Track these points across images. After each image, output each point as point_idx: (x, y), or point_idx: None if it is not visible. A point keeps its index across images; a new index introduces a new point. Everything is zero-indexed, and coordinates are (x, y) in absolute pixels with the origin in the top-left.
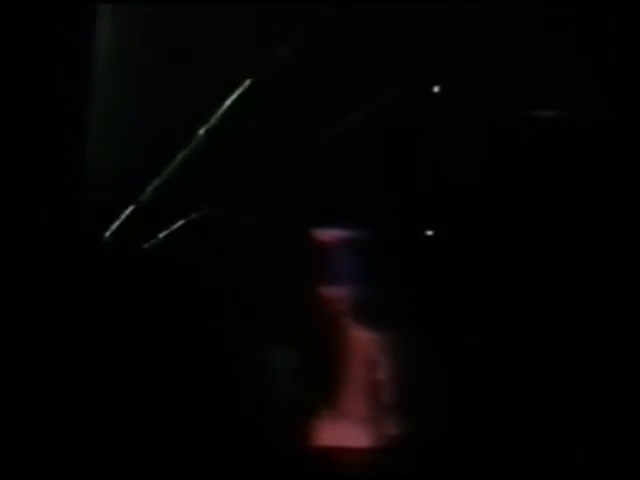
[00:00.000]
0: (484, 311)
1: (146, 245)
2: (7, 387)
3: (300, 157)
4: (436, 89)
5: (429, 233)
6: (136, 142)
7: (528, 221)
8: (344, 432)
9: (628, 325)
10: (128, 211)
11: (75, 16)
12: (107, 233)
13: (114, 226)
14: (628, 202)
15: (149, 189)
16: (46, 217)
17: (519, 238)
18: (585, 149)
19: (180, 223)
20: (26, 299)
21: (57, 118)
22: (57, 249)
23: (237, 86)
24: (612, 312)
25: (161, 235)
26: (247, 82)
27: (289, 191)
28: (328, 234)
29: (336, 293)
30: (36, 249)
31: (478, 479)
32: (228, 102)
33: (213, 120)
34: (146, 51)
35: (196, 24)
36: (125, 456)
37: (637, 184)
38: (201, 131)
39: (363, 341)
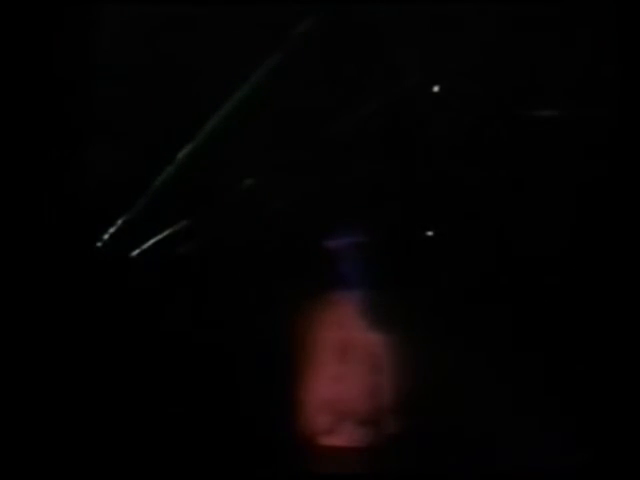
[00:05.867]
0: (485, 310)
1: (141, 249)
2: (4, 389)
3: (298, 158)
4: (436, 89)
5: (429, 233)
6: (134, 145)
7: (528, 221)
8: (345, 432)
9: (627, 324)
10: (125, 216)
11: (77, 17)
12: (104, 237)
13: (111, 231)
14: (628, 201)
15: (145, 195)
16: (44, 221)
17: (519, 237)
18: (585, 148)
19: (176, 227)
20: (23, 303)
21: (56, 123)
22: (54, 253)
23: (232, 93)
24: (611, 311)
25: (157, 239)
26: (241, 89)
27: (287, 193)
28: (328, 236)
29: (337, 295)
30: (33, 253)
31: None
32: (227, 105)
33: (211, 124)
34: (146, 54)
35: (195, 25)
36: (124, 456)
37: (637, 183)
38: (199, 135)
39: (365, 342)
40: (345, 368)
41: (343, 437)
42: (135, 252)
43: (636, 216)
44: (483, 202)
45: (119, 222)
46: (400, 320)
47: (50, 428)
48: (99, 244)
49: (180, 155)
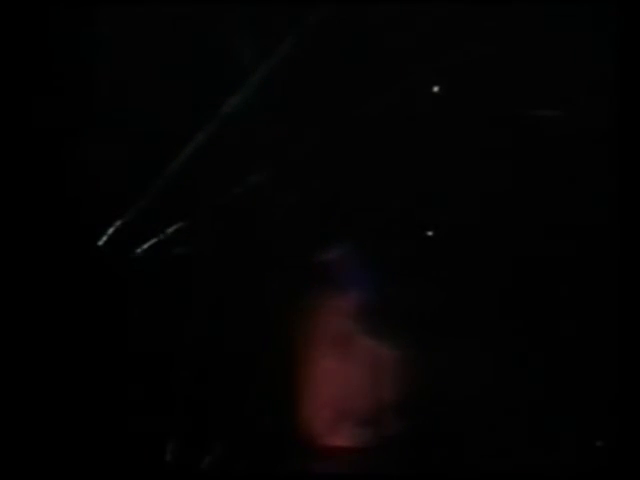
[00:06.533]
0: (485, 310)
1: (141, 249)
2: (5, 387)
3: (298, 159)
4: (436, 89)
5: (429, 233)
6: (134, 145)
7: (528, 220)
8: (345, 432)
9: (631, 320)
10: (125, 216)
11: (77, 17)
12: (104, 237)
13: (111, 231)
14: (628, 201)
15: (145, 195)
16: (44, 221)
17: (519, 237)
18: (585, 148)
19: (176, 227)
20: (24, 302)
21: (56, 123)
22: (54, 253)
23: (232, 93)
24: (614, 308)
25: (157, 239)
26: (242, 90)
27: (286, 193)
28: (329, 237)
29: (338, 296)
30: (33, 253)
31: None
32: (227, 105)
33: (211, 125)
34: (146, 54)
35: (196, 25)
36: (123, 455)
37: (637, 184)
38: (200, 135)
39: (366, 343)
40: (346, 369)
41: (343, 437)
42: (135, 252)
43: (636, 215)
44: (483, 202)
45: (119, 222)
46: (400, 320)
47: (50, 426)
48: (99, 244)
49: (180, 155)
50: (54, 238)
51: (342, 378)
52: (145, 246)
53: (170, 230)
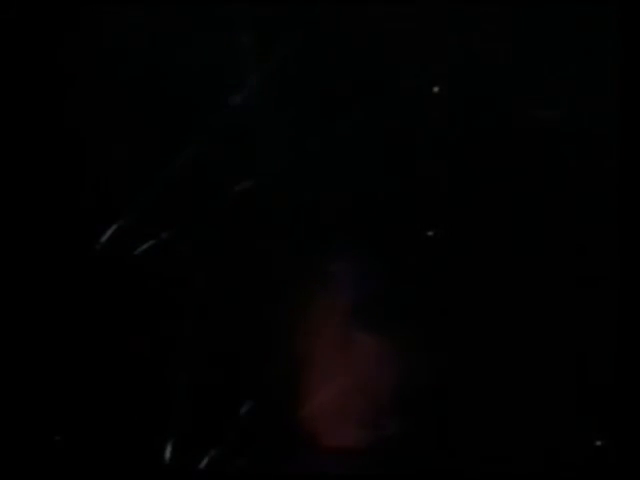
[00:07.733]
0: (486, 310)
1: (140, 250)
2: (3, 386)
3: (297, 158)
4: (436, 89)
5: (429, 233)
6: (134, 145)
7: (529, 222)
8: (345, 432)
9: (630, 318)
10: (124, 216)
11: (78, 16)
12: (103, 238)
13: (110, 231)
14: (629, 204)
15: (144, 195)
16: (43, 221)
17: (520, 238)
18: (586, 149)
19: (175, 228)
20: (22, 303)
21: (56, 121)
22: (53, 254)
23: (233, 92)
24: (614, 307)
25: (155, 240)
26: (242, 90)
27: (284, 194)
28: (328, 240)
29: (337, 295)
30: (32, 253)
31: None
32: (225, 106)
33: (212, 125)
34: (146, 53)
35: (197, 25)
36: (122, 456)
37: (638, 184)
38: (200, 135)
39: (366, 343)
40: (345, 368)
41: (343, 437)
42: (135, 252)
43: (636, 217)
44: (484, 202)
45: (119, 222)
46: (401, 320)
47: (48, 426)
48: (99, 244)
49: (181, 156)
50: (53, 238)
51: (342, 378)
52: (144, 247)
53: (170, 230)
